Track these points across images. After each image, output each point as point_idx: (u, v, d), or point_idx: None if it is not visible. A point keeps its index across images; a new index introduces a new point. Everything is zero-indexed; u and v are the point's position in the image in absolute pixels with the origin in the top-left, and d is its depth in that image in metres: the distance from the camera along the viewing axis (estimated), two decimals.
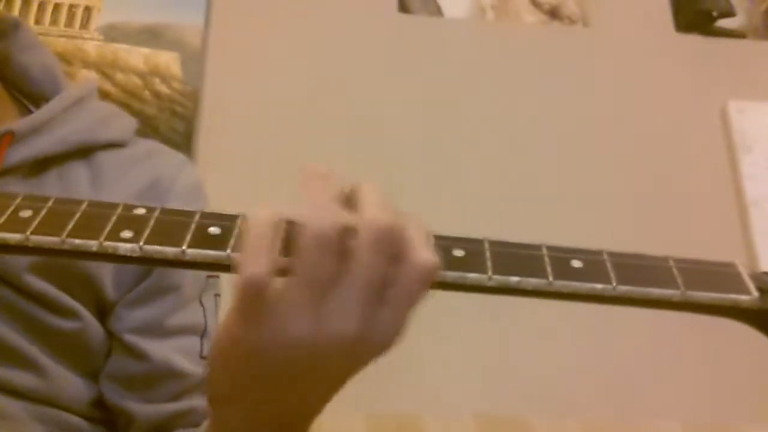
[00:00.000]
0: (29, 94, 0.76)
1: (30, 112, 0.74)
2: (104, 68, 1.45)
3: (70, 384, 0.67)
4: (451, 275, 0.43)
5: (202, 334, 0.71)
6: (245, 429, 0.49)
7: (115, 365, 0.69)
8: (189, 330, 0.71)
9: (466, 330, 1.34)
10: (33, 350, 0.65)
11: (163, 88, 1.46)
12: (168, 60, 1.49)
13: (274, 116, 1.48)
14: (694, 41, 1.68)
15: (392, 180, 1.45)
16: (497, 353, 1.35)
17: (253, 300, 0.41)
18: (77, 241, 0.43)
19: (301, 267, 0.41)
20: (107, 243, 0.43)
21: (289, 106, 1.49)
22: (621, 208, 1.49)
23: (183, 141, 1.40)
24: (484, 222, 1.41)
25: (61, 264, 0.66)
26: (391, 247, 0.41)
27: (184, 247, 0.43)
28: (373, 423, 1.24)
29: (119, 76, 1.45)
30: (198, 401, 0.68)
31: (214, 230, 0.44)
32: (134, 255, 0.43)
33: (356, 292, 0.41)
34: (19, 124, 0.69)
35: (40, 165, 0.70)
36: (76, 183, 0.70)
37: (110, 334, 0.70)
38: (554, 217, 1.45)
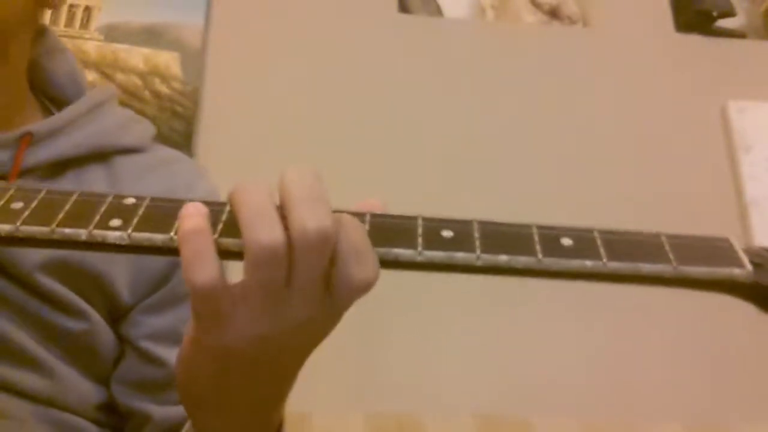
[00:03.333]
0: (53, 98, 0.76)
1: (52, 114, 0.74)
2: (104, 68, 1.45)
3: (79, 386, 0.67)
4: (439, 255, 0.43)
5: None
6: (224, 425, 0.50)
7: (129, 370, 0.69)
8: None
9: (465, 330, 1.34)
10: (42, 352, 0.65)
11: (163, 88, 1.46)
12: (168, 60, 1.49)
13: (274, 116, 1.48)
14: (694, 41, 1.68)
15: (392, 180, 1.46)
16: (497, 353, 1.35)
17: (209, 306, 0.42)
18: (67, 231, 0.43)
19: (252, 277, 0.41)
20: (96, 231, 0.43)
21: (289, 106, 1.49)
22: (621, 208, 1.49)
23: (183, 141, 1.39)
24: None
25: (73, 265, 0.66)
26: (327, 248, 0.41)
27: (172, 234, 0.43)
28: (373, 423, 1.24)
29: (119, 76, 1.45)
30: None
31: None
32: (123, 243, 0.43)
33: (308, 284, 0.42)
34: (38, 125, 0.69)
35: (58, 167, 0.70)
36: (92, 187, 0.70)
37: (122, 339, 0.70)
38: (553, 217, 1.45)
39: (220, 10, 1.56)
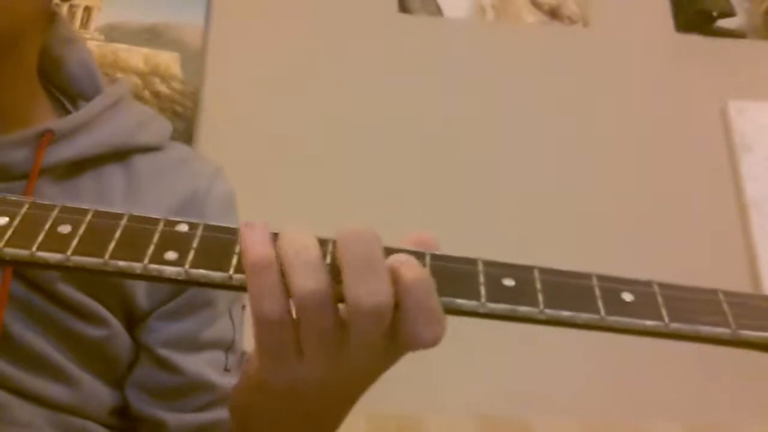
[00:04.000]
0: (66, 91, 0.73)
1: (66, 109, 0.72)
2: (104, 68, 1.45)
3: (94, 391, 0.66)
4: (502, 308, 0.42)
5: (228, 348, 0.71)
6: None
7: (144, 376, 0.69)
8: (219, 344, 0.71)
9: (466, 330, 1.34)
10: (59, 357, 0.64)
11: (163, 88, 1.46)
12: (168, 60, 1.49)
13: (274, 116, 1.48)
14: (694, 41, 1.68)
15: (391, 180, 1.46)
16: (498, 353, 1.35)
17: (274, 339, 0.42)
18: (121, 264, 0.42)
19: (301, 321, 0.42)
20: (152, 266, 0.42)
21: (289, 106, 1.49)
22: (621, 208, 1.49)
23: (183, 141, 1.39)
24: (483, 222, 1.41)
25: None
26: (385, 320, 0.41)
27: (231, 272, 0.42)
28: (373, 423, 1.24)
29: (119, 76, 1.45)
30: (225, 412, 0.67)
31: None
32: (180, 278, 0.42)
33: (368, 344, 0.42)
34: (59, 123, 0.67)
35: (76, 167, 0.68)
36: (112, 187, 0.68)
37: (138, 344, 0.69)
38: (554, 217, 1.45)
39: (220, 10, 1.56)
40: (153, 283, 0.66)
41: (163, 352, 0.68)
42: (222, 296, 0.71)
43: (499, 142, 1.52)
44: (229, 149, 1.42)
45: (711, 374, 1.38)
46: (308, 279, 0.40)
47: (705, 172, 1.55)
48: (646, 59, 1.64)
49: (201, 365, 0.68)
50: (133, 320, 0.69)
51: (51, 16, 0.72)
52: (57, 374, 0.64)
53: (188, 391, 0.68)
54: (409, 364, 1.45)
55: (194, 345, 0.69)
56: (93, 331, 0.65)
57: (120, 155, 0.70)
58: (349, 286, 0.40)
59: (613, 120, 1.58)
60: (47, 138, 0.65)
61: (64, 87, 0.73)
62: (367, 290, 0.40)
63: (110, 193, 0.68)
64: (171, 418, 0.67)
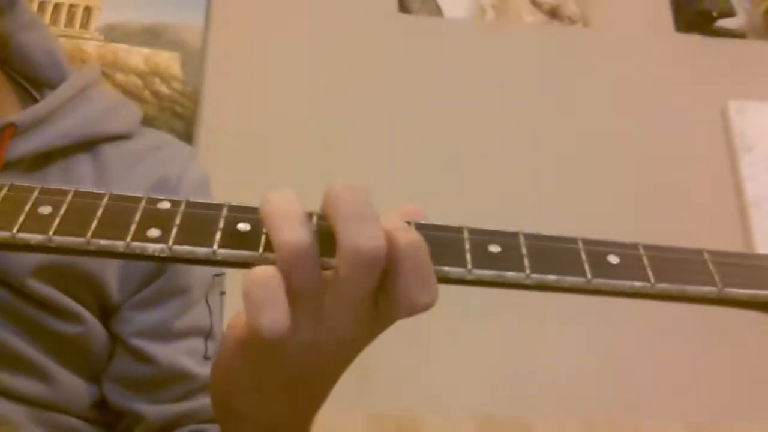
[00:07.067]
0: (31, 79, 0.71)
1: (32, 97, 0.71)
2: (104, 68, 1.45)
3: (73, 387, 0.66)
4: (488, 274, 0.42)
5: (207, 335, 0.70)
6: None
7: (119, 368, 0.68)
8: (195, 332, 0.70)
9: (466, 330, 1.34)
10: (36, 355, 0.63)
11: (163, 88, 1.46)
12: (168, 60, 1.50)
13: (274, 116, 1.48)
14: (694, 41, 1.68)
15: (392, 180, 1.46)
16: (497, 353, 1.35)
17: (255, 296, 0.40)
18: (103, 242, 0.41)
19: (289, 280, 0.40)
20: (135, 243, 0.41)
21: (288, 106, 1.49)
22: (621, 208, 1.49)
23: (183, 141, 1.39)
24: (485, 222, 1.41)
25: (65, 268, 0.64)
26: (378, 269, 0.40)
27: (215, 248, 0.41)
28: (373, 423, 1.24)
29: (119, 76, 1.45)
30: (204, 401, 0.68)
31: (243, 227, 0.42)
32: (163, 255, 0.41)
33: (355, 302, 0.41)
34: (22, 115, 0.65)
35: (43, 159, 0.66)
36: (80, 178, 0.67)
37: (113, 336, 0.68)
38: (554, 217, 1.45)
39: (220, 10, 1.56)
40: (125, 274, 0.66)
41: (137, 343, 0.67)
42: (197, 283, 0.70)
43: (499, 143, 1.52)
44: (229, 149, 1.42)
45: (711, 374, 1.38)
46: (290, 233, 0.39)
47: (705, 172, 1.55)
48: (646, 59, 1.65)
49: (176, 354, 0.67)
50: (107, 312, 0.68)
51: (9, 0, 0.70)
52: (34, 371, 0.63)
53: (164, 381, 0.67)
54: (408, 364, 1.45)
55: (168, 334, 0.68)
56: (68, 328, 0.64)
57: (87, 145, 0.69)
58: (344, 234, 0.39)
59: (613, 120, 1.58)
60: (10, 131, 0.64)
61: (28, 74, 0.71)
62: (366, 236, 0.39)
63: (79, 184, 0.67)
64: (149, 409, 0.66)
